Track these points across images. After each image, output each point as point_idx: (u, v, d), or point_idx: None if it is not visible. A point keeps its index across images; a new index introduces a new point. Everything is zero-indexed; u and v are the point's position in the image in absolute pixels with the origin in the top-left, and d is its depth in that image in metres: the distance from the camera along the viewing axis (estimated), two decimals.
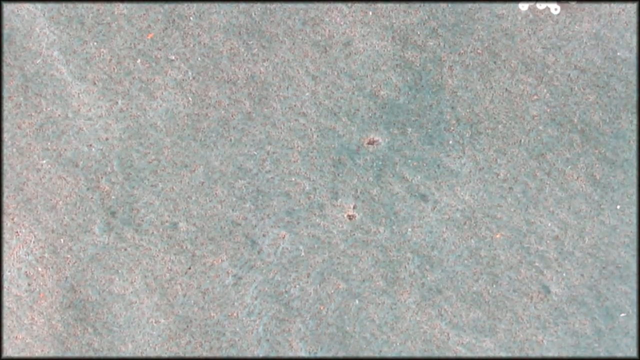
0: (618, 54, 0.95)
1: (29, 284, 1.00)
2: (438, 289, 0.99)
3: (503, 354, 0.98)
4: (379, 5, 0.96)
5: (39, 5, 0.98)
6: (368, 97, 0.98)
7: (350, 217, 0.99)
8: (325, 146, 0.98)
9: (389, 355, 0.99)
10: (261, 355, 1.00)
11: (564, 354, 0.98)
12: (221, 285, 1.00)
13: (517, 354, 0.98)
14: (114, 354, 1.00)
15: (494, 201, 0.98)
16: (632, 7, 0.94)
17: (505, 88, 0.97)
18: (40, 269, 1.00)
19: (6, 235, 1.00)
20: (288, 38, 0.98)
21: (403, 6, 0.96)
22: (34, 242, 1.00)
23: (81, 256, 1.00)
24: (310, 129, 0.98)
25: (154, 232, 1.00)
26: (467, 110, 0.97)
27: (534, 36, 0.96)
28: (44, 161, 0.99)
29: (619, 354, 0.98)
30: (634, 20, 0.94)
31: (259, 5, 0.97)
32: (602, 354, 0.98)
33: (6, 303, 1.00)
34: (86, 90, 0.99)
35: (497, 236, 0.98)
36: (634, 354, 0.98)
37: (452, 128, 0.97)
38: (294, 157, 0.99)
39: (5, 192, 1.00)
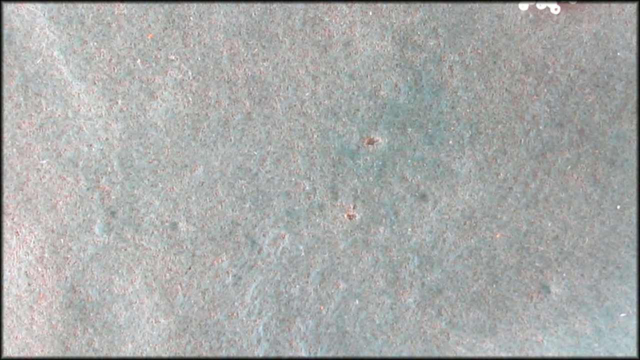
0: (618, 54, 0.95)
1: (29, 284, 1.00)
2: (438, 289, 0.99)
3: (503, 354, 0.98)
4: (379, 5, 0.96)
5: (39, 5, 0.98)
6: (368, 97, 0.98)
7: (350, 217, 0.99)
8: (325, 146, 0.98)
9: (389, 355, 0.99)
10: (261, 355, 1.00)
11: (564, 354, 0.98)
12: (221, 285, 1.00)
13: (517, 354, 0.98)
14: (114, 354, 1.00)
15: (494, 201, 0.98)
16: (632, 7, 0.94)
17: (505, 88, 0.97)
18: (40, 269, 1.00)
19: (6, 235, 1.00)
20: (288, 38, 0.98)
21: (403, 6, 0.96)
22: (34, 242, 1.00)
23: (81, 256, 1.00)
24: (311, 129, 0.98)
25: (154, 232, 1.00)
26: (467, 110, 0.97)
27: (534, 36, 0.96)
28: (44, 161, 0.99)
29: (619, 354, 0.98)
30: (634, 20, 0.94)
31: (259, 5, 0.97)
32: (602, 354, 0.98)
33: (6, 303, 1.00)
34: (86, 90, 0.98)
35: (497, 236, 0.98)
36: (634, 354, 0.97)
37: (452, 128, 0.97)
38: (294, 157, 0.99)
39: (5, 192, 1.00)
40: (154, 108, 0.99)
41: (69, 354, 1.01)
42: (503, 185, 0.97)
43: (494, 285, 0.98)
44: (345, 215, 0.99)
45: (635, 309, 0.97)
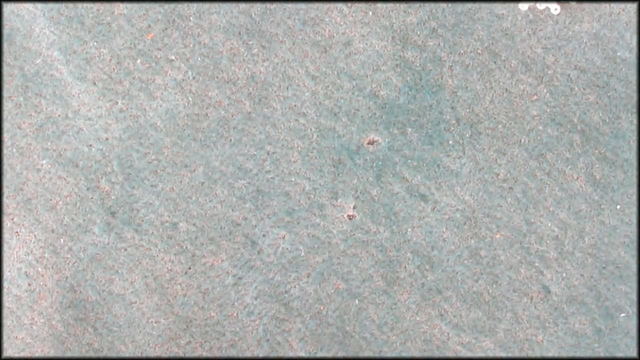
0: (618, 54, 0.95)
1: (29, 284, 1.00)
2: (438, 289, 0.99)
3: (503, 354, 0.98)
4: (379, 5, 0.96)
5: (39, 5, 0.98)
6: (368, 97, 0.98)
7: (350, 217, 0.99)
8: (325, 146, 0.98)
9: (389, 355, 0.99)
10: (261, 356, 1.00)
11: (564, 354, 0.98)
12: (221, 285, 1.00)
13: (517, 354, 0.98)
14: (114, 354, 1.00)
15: (494, 201, 0.98)
16: (632, 7, 0.94)
17: (505, 88, 0.97)
18: (40, 269, 1.00)
19: (6, 235, 1.00)
20: (288, 38, 0.98)
21: (403, 6, 0.96)
22: (34, 242, 1.00)
23: (81, 256, 1.00)
24: (310, 129, 0.98)
25: (154, 232, 1.00)
26: (467, 110, 0.97)
27: (534, 36, 0.96)
28: (44, 161, 0.99)
29: (619, 354, 0.98)
30: (634, 20, 0.94)
31: (259, 5, 0.97)
32: (602, 354, 0.98)
33: (6, 303, 1.00)
34: (86, 90, 0.98)
35: (497, 236, 0.98)
36: (634, 354, 0.98)
37: (452, 128, 0.97)
38: (294, 157, 0.99)
39: (5, 192, 1.00)
40: (154, 108, 0.99)
41: (69, 354, 1.01)
42: (503, 185, 0.97)
43: (494, 286, 0.98)
44: (345, 215, 0.99)
45: (635, 309, 0.97)
